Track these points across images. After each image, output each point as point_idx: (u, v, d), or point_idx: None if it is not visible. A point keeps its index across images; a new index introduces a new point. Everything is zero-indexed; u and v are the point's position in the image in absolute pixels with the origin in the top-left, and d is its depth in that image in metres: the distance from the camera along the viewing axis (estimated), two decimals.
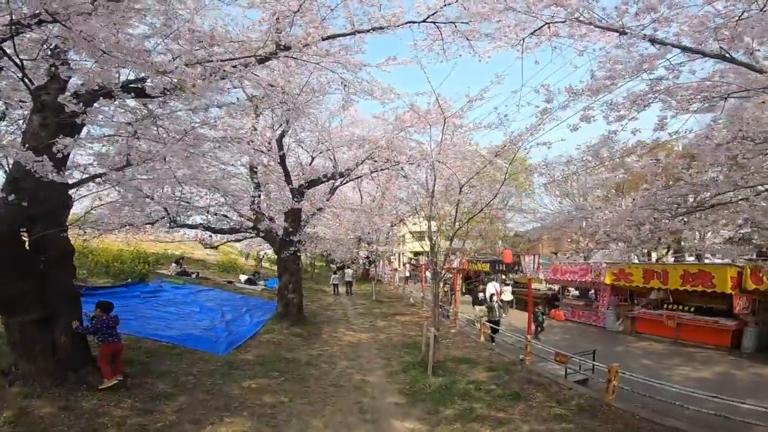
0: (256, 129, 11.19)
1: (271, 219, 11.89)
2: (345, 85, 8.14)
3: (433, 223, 13.64)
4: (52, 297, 4.71)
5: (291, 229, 11.29)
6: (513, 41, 5.29)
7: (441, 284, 16.06)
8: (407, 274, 25.31)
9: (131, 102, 6.36)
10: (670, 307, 12.14)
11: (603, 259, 19.84)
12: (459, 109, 7.71)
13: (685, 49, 3.67)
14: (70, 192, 8.00)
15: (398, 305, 17.69)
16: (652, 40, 3.76)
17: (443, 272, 7.84)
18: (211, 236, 19.58)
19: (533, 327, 10.57)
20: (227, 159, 12.22)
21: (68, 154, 5.42)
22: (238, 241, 21.39)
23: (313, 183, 12.12)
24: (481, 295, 12.55)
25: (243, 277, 20.33)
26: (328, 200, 11.84)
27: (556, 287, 17.74)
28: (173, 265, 17.60)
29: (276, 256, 13.47)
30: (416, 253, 48.65)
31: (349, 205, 13.66)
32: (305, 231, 12.44)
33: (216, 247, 25.50)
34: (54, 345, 4.70)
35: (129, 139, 6.95)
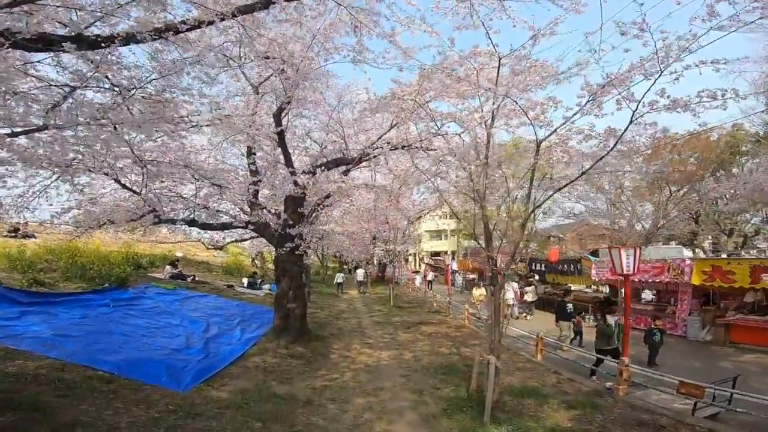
0: (256, 112, 9.24)
1: (278, 215, 9.64)
2: (355, 27, 5.91)
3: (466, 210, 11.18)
4: None
5: (291, 221, 9.03)
6: None
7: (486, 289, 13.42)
8: (430, 277, 22.29)
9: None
10: None
11: (654, 254, 16.96)
12: (520, 45, 5.30)
13: None
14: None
15: (421, 312, 15.24)
16: None
17: (511, 274, 5.40)
18: (224, 237, 17.63)
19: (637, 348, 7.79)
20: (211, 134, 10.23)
21: None
22: (244, 240, 19.46)
23: (320, 168, 9.86)
24: (570, 306, 9.52)
25: (246, 281, 18.30)
26: (343, 178, 9.45)
27: (604, 289, 15.04)
28: (167, 267, 15.69)
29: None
30: (435, 254, 46.27)
31: (363, 181, 11.22)
32: (313, 226, 10.17)
33: (221, 248, 23.57)
34: None
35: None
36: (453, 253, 47.44)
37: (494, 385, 5.04)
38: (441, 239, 48.25)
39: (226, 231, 13.57)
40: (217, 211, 10.16)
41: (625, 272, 5.68)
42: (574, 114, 4.47)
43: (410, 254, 32.67)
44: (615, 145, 4.31)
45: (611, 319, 7.57)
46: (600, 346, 7.27)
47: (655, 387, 6.06)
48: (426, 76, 5.64)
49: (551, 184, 5.29)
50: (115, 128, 5.53)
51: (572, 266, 13.38)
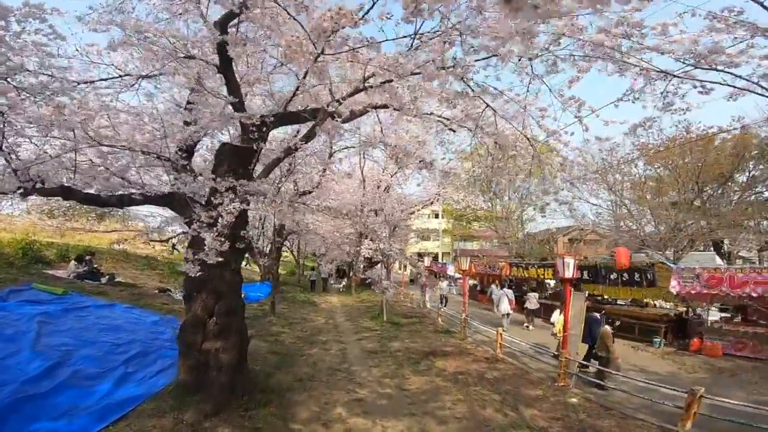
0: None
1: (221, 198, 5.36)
2: None
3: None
4: None
5: (229, 186, 4.84)
6: None
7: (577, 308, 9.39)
8: (443, 290, 16.82)
9: None
10: None
11: (689, 262, 13.79)
12: None
13: None
14: None
15: (425, 331, 11.33)
16: None
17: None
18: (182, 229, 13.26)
19: None
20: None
21: None
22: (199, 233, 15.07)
23: (286, 118, 5.66)
24: None
25: None
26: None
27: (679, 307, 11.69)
28: (72, 263, 11.25)
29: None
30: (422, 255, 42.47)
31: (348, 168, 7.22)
32: (268, 187, 6.04)
33: (165, 241, 18.97)
34: None
35: None
36: (443, 255, 44.02)
37: None
38: (429, 240, 44.83)
39: (119, 207, 9.31)
40: (114, 175, 5.83)
41: None
42: None
43: (401, 257, 28.77)
44: None
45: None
46: None
47: None
48: None
49: None
50: None
51: (640, 275, 9.77)
